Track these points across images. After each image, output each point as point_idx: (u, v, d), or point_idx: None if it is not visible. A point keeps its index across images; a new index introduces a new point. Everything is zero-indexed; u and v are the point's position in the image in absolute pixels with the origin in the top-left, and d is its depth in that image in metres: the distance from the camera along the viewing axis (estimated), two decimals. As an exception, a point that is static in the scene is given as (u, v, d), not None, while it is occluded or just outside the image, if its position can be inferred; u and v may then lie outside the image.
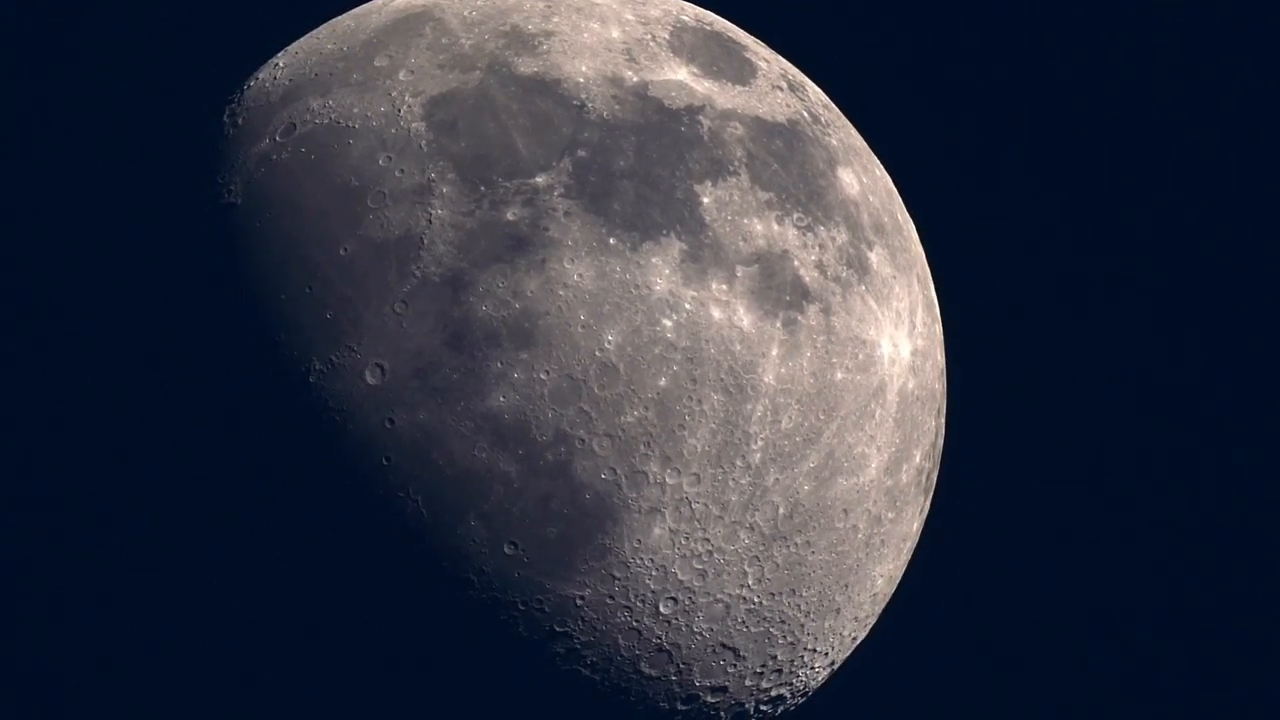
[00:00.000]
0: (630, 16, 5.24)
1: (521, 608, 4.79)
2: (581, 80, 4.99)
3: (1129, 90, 7.76)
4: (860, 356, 5.06)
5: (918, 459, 5.34)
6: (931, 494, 5.59)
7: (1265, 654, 7.31)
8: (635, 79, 5.04)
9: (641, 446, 4.73)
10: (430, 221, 4.76)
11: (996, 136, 7.77)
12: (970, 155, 7.73)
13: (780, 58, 5.53)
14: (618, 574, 4.79)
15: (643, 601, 4.85)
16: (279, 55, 5.48)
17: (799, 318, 4.93)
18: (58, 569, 6.17)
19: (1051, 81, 7.79)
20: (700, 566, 4.86)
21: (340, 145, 4.94)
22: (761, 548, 4.93)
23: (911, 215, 5.65)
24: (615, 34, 5.15)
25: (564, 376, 4.69)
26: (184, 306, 5.00)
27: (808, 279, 4.97)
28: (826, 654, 5.38)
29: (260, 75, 5.40)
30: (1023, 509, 7.55)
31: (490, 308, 4.69)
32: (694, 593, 4.88)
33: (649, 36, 5.18)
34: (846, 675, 5.74)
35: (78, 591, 6.05)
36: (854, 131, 5.58)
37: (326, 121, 5.01)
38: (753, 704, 5.28)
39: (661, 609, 4.87)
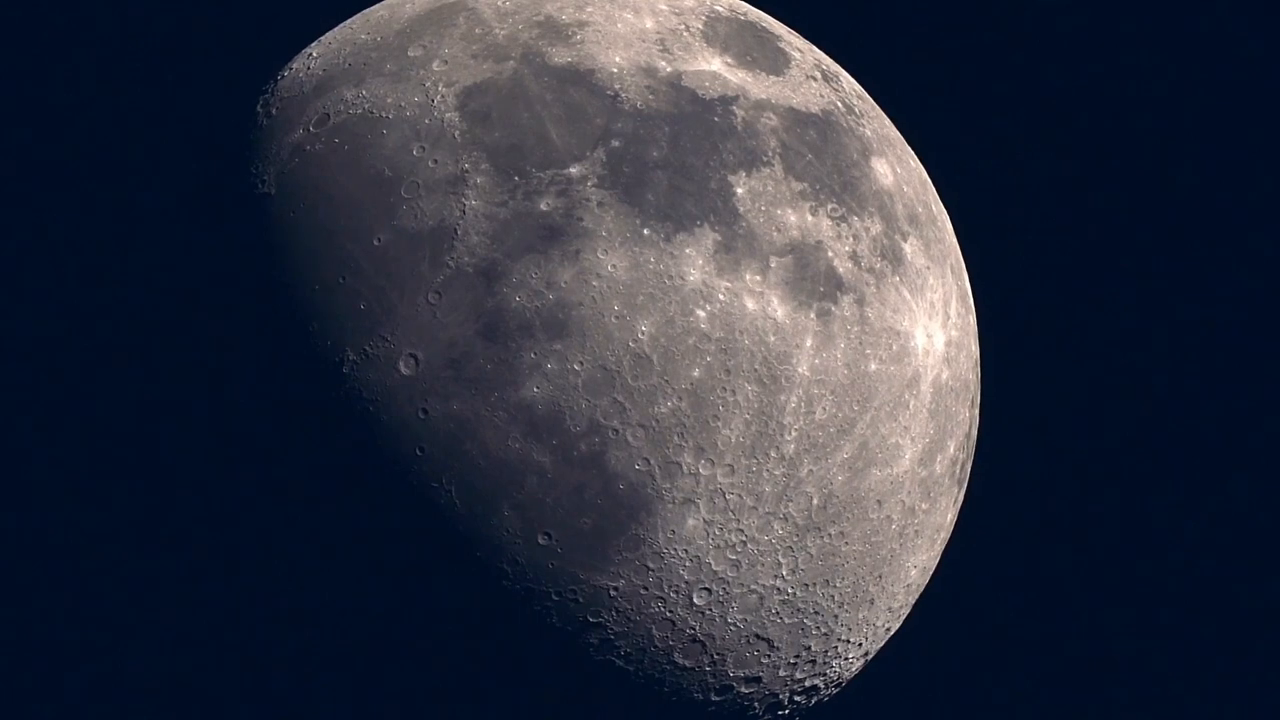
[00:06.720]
0: (664, 7, 5.23)
1: (555, 598, 4.80)
2: (615, 70, 4.99)
3: (1165, 82, 7.74)
4: (894, 347, 5.05)
5: (952, 450, 5.33)
6: (965, 484, 5.58)
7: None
8: (669, 69, 5.03)
9: (675, 437, 4.73)
10: (464, 212, 4.76)
11: (1030, 127, 7.76)
12: (1004, 146, 7.72)
13: (814, 48, 5.51)
14: (652, 565, 4.80)
15: (676, 592, 4.85)
16: (312, 45, 5.49)
17: (833, 308, 4.92)
18: (91, 555, 6.22)
19: (1086, 72, 7.77)
20: (734, 557, 4.86)
21: (374, 135, 4.94)
22: (795, 538, 4.93)
23: (945, 206, 5.64)
24: (649, 24, 5.14)
25: (598, 367, 4.70)
26: (218, 297, 5.02)
27: (842, 270, 4.96)
28: (860, 644, 5.38)
29: (294, 66, 5.41)
30: (1056, 499, 7.54)
31: (524, 298, 4.69)
32: (728, 583, 4.88)
33: (683, 27, 5.17)
34: (880, 665, 5.74)
35: (110, 577, 6.09)
36: (888, 122, 5.56)
37: (360, 112, 5.01)
38: (786, 695, 5.28)
39: (695, 600, 4.88)
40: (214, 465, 4.98)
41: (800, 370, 4.84)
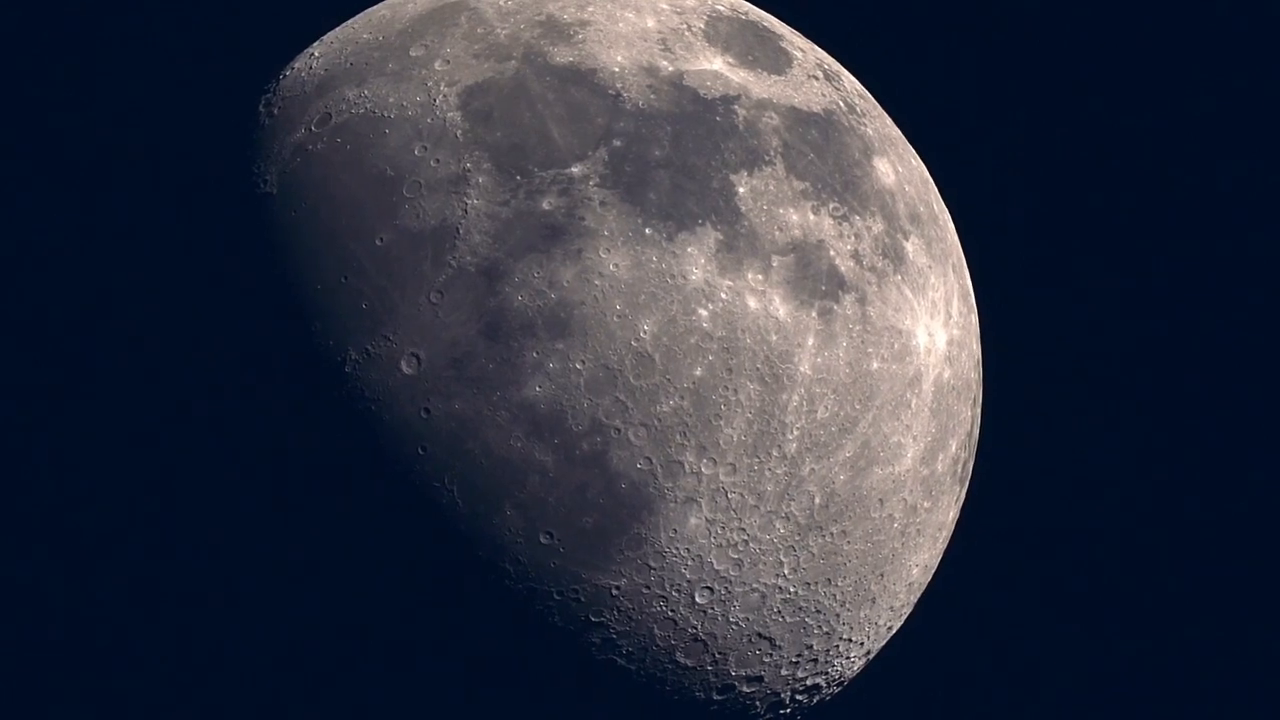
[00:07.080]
0: (665, 6, 5.23)
1: (557, 597, 4.80)
2: (617, 70, 4.99)
3: (1165, 81, 7.74)
4: (896, 346, 5.05)
5: (953, 448, 5.33)
6: (967, 483, 5.58)
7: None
8: (671, 69, 5.04)
9: (677, 436, 4.73)
10: (466, 211, 4.77)
11: (1031, 125, 7.76)
12: (1005, 144, 7.72)
13: (816, 47, 5.51)
14: (653, 564, 4.80)
15: (678, 591, 4.85)
16: (314, 45, 5.49)
17: (835, 307, 4.92)
18: (91, 555, 6.21)
19: (1087, 71, 7.77)
20: (736, 556, 4.86)
21: (376, 135, 4.94)
22: (797, 537, 4.93)
23: (946, 205, 5.64)
24: (650, 23, 5.14)
25: (600, 366, 4.70)
26: (220, 297, 5.02)
27: (843, 269, 4.96)
28: (862, 643, 5.38)
29: (296, 65, 5.41)
30: (1058, 498, 7.54)
31: (526, 297, 4.69)
32: (730, 582, 4.88)
33: (684, 26, 5.17)
34: (882, 664, 5.74)
35: (110, 577, 6.08)
36: (889, 121, 5.56)
37: (362, 111, 5.01)
38: (788, 694, 5.28)
39: (697, 599, 4.88)
40: (216, 465, 4.98)
41: (802, 369, 4.84)
